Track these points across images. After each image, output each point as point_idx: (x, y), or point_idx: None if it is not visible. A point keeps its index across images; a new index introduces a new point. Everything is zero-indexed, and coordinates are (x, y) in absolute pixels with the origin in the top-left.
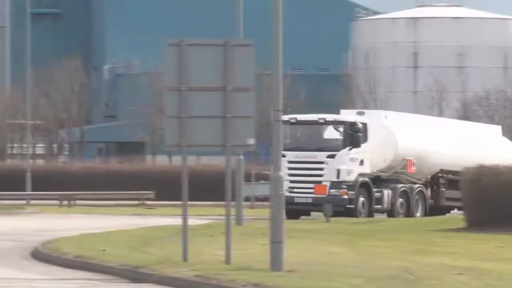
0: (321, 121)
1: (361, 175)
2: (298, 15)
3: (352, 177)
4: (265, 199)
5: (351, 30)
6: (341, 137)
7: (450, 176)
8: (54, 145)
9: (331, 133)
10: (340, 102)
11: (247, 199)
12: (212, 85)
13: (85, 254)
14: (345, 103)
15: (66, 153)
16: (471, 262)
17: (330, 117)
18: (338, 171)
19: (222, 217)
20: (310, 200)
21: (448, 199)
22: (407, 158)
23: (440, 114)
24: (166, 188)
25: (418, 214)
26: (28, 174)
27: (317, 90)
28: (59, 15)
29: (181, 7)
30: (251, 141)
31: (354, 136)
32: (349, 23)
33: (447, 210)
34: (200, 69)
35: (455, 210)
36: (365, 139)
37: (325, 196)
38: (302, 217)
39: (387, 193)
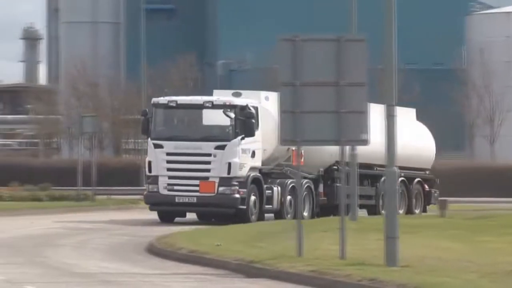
0: (208, 104)
1: (252, 169)
2: (412, 9)
3: (244, 172)
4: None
5: (466, 24)
6: (231, 124)
7: (347, 168)
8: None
9: (219, 119)
10: (454, 97)
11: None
12: (325, 80)
13: (200, 249)
14: (459, 98)
15: None
16: None
17: (218, 100)
18: (229, 165)
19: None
20: (194, 200)
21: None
22: (292, 148)
23: None
24: None
25: (305, 214)
26: (143, 169)
27: (432, 85)
28: (173, 11)
29: (294, 1)
30: (365, 136)
31: (247, 122)
32: (464, 17)
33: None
34: (313, 64)
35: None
36: (257, 126)
37: (213, 195)
38: (177, 218)
39: (276, 190)
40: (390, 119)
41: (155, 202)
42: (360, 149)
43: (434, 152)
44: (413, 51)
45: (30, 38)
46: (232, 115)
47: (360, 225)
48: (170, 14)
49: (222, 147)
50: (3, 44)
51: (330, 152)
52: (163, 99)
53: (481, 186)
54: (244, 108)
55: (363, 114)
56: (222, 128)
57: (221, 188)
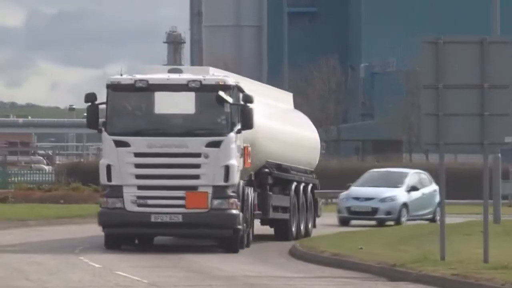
0: (194, 85)
1: (240, 173)
2: None
3: (237, 178)
4: None
5: None
6: (227, 112)
7: (276, 172)
8: None
9: (206, 106)
10: None
11: (505, 197)
12: (469, 82)
13: (342, 252)
14: None
15: (323, 151)
16: None
17: (208, 78)
18: (227, 169)
19: (479, 216)
20: (179, 219)
21: (276, 208)
22: (243, 144)
23: None
24: None
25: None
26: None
27: None
28: (316, 14)
29: (436, 3)
30: (509, 139)
31: (246, 109)
32: None
33: (278, 225)
34: (456, 67)
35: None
36: None
37: (205, 211)
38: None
39: (249, 201)
40: None
41: (118, 222)
42: (276, 144)
43: (319, 148)
44: None
45: (173, 42)
46: (230, 99)
47: (504, 228)
48: (313, 17)
49: (216, 144)
50: (147, 48)
51: (265, 151)
52: (126, 78)
53: None
54: (239, 89)
55: (507, 117)
56: (213, 117)
57: (216, 201)
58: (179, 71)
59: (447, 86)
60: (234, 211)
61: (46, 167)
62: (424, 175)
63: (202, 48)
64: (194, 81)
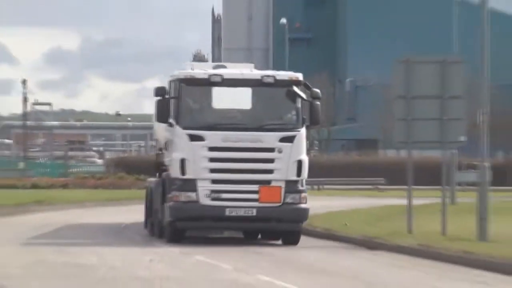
0: (269, 80)
1: None
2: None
3: (307, 173)
4: (473, 184)
5: None
6: (298, 107)
7: None
8: (306, 142)
9: (277, 101)
10: None
11: (459, 184)
12: (432, 94)
13: (332, 227)
14: None
15: (316, 148)
16: None
17: (282, 74)
18: (300, 164)
19: (439, 198)
20: (253, 213)
21: None
22: None
23: None
24: (394, 175)
25: None
26: None
27: None
28: (311, 39)
29: (412, 27)
30: (463, 138)
31: (315, 105)
32: None
33: None
34: (422, 81)
35: None
36: None
37: (278, 205)
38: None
39: None
40: (483, 123)
41: (192, 216)
42: None
43: None
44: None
45: (198, 61)
46: (304, 95)
47: (459, 208)
48: (309, 41)
49: (289, 139)
50: (176, 66)
51: None
52: (200, 73)
53: None
54: (307, 85)
55: (461, 121)
56: (286, 112)
57: (289, 196)
58: (223, 67)
59: (414, 97)
60: (305, 206)
61: (98, 160)
62: None
63: None
64: (268, 76)
